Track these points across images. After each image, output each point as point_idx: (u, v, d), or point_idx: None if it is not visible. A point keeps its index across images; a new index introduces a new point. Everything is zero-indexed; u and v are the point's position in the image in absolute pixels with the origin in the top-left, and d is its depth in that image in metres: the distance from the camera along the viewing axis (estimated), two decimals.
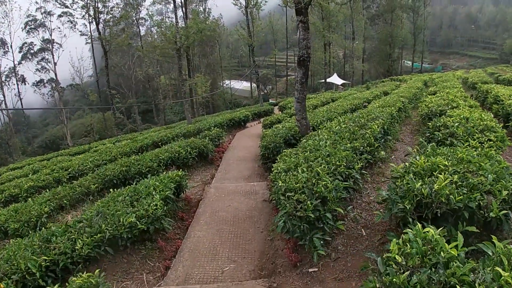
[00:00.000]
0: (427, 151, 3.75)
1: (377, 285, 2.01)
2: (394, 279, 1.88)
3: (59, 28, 38.65)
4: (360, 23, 40.88)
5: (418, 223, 2.32)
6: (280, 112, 16.07)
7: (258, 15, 26.28)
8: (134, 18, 40.38)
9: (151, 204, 4.23)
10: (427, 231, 2.16)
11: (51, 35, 38.56)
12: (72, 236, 3.71)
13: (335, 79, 35.52)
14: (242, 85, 48.68)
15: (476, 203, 2.55)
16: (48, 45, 38.76)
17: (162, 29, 21.58)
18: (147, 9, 39.71)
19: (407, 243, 2.12)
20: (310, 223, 3.19)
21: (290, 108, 13.77)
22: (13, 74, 39.61)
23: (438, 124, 5.25)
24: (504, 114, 7.07)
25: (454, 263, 1.91)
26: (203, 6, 40.88)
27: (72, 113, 48.52)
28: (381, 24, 47.35)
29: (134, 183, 5.72)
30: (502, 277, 1.73)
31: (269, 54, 45.86)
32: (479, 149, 3.88)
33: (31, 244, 3.67)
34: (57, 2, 31.97)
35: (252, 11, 24.72)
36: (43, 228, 4.46)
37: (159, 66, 43.59)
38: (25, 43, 39.61)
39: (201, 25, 21.89)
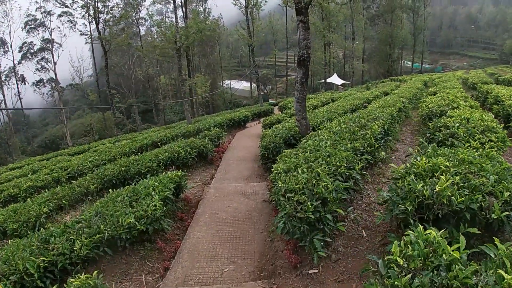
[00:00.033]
0: (428, 151, 3.73)
1: None
2: (396, 282, 1.86)
3: (59, 27, 38.71)
4: (360, 23, 40.93)
5: (420, 225, 2.30)
6: (280, 112, 16.04)
7: (258, 15, 26.30)
8: (134, 18, 40.37)
9: (150, 205, 4.21)
10: (429, 233, 2.14)
11: (51, 34, 38.59)
12: (70, 237, 3.69)
13: (335, 79, 35.54)
14: (242, 85, 48.67)
15: (478, 205, 2.53)
16: (48, 45, 38.73)
17: (162, 29, 21.59)
18: (147, 9, 39.86)
19: (408, 245, 2.10)
20: (310, 224, 3.17)
21: (290, 108, 13.74)
22: (13, 73, 39.55)
23: (438, 125, 5.23)
24: (504, 115, 7.08)
25: (456, 265, 1.89)
26: (203, 6, 41.03)
27: (72, 113, 48.50)
28: (381, 24, 47.38)
29: (133, 184, 5.71)
30: (505, 280, 1.70)
31: (269, 54, 45.97)
32: (480, 150, 3.86)
33: (30, 245, 3.65)
34: (57, 2, 31.86)
35: (252, 11, 24.74)
36: (42, 228, 4.43)
37: (159, 66, 43.58)
38: (25, 42, 39.63)
39: (201, 25, 21.90)
